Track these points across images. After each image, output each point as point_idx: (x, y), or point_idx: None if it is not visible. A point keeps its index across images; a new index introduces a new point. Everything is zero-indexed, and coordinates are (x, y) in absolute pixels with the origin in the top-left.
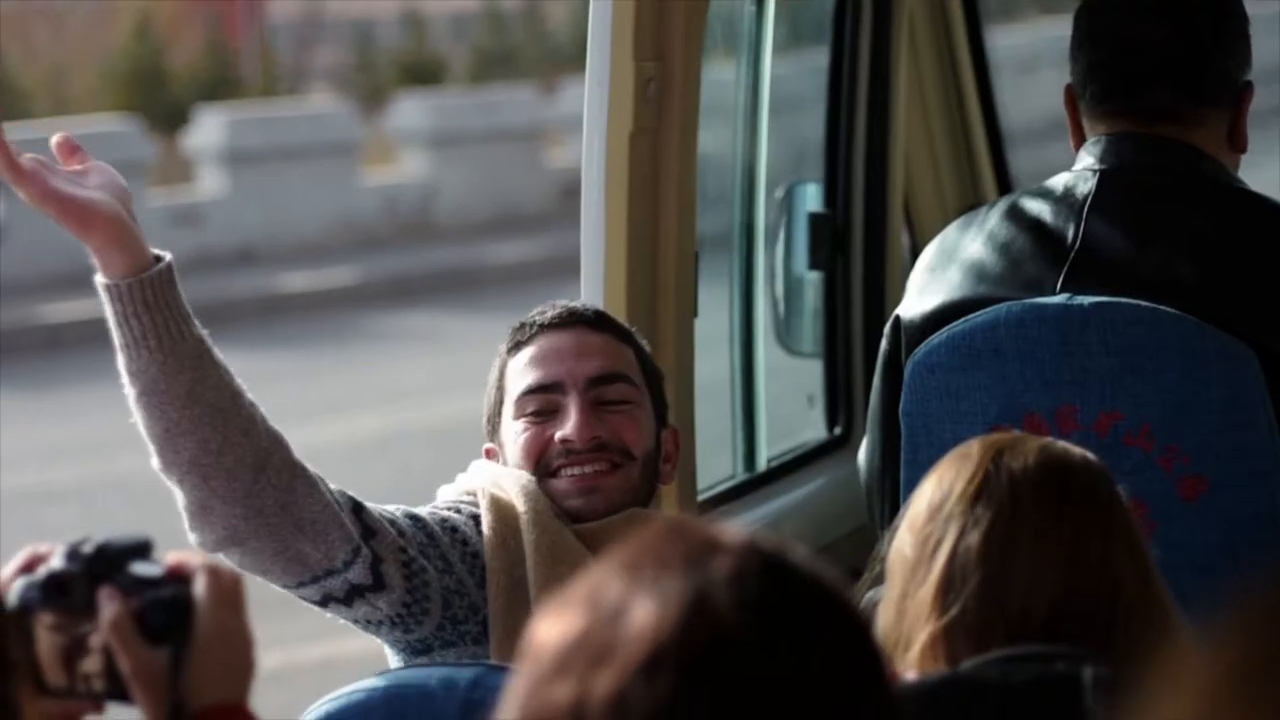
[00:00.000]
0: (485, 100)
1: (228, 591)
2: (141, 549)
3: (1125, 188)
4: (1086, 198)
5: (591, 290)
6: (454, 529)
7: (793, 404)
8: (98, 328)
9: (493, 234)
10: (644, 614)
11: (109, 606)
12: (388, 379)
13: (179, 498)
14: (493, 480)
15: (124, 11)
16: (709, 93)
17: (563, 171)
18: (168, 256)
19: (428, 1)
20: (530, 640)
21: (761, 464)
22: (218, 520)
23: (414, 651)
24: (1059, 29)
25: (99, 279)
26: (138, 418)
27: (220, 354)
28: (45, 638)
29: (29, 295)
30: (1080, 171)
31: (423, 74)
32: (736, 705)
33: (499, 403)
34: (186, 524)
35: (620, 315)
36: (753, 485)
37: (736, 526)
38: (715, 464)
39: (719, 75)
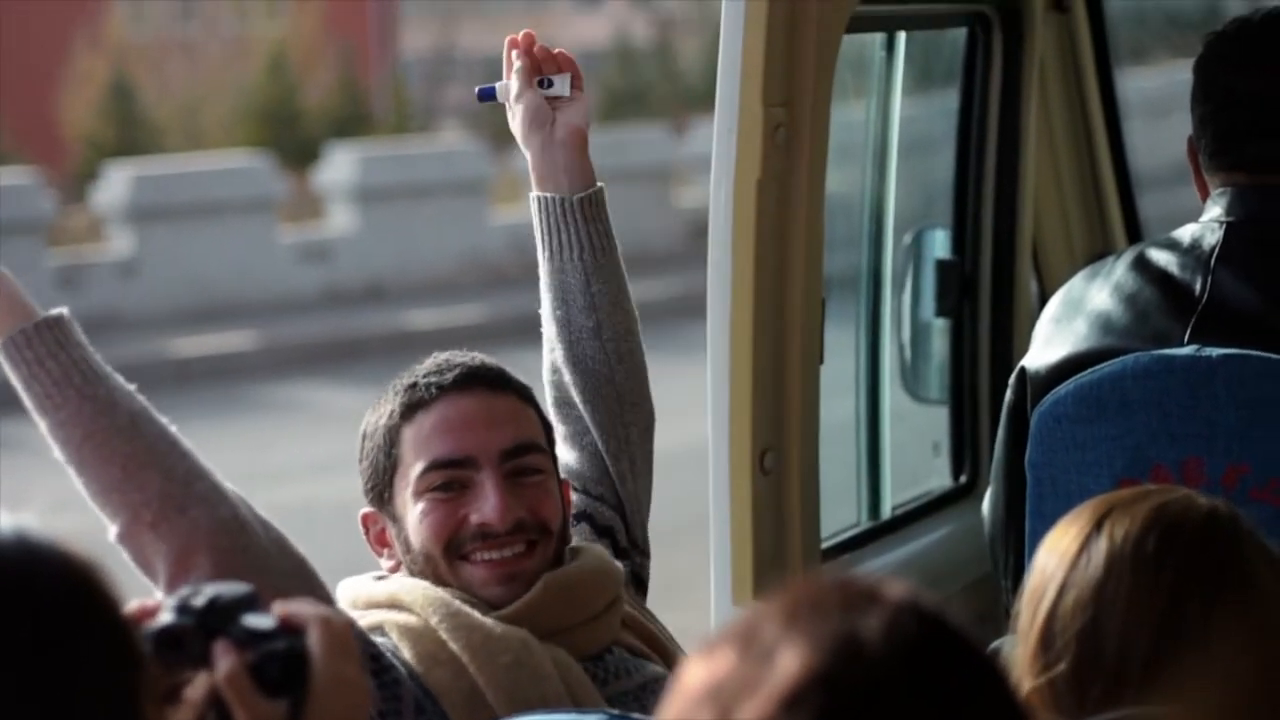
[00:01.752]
0: (615, 139)
1: (341, 641)
2: (251, 601)
3: (1253, 240)
4: (1214, 250)
5: (718, 336)
6: (388, 664)
7: (918, 451)
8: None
9: None
10: (793, 653)
11: (224, 661)
12: None
13: (149, 551)
14: (388, 601)
15: (258, 47)
16: (837, 135)
17: (691, 211)
18: (65, 310)
19: (558, 37)
20: (678, 679)
21: (886, 512)
22: (205, 561)
23: None
24: (1187, 73)
25: None
26: (82, 475)
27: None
28: None
29: (159, 330)
30: (1207, 223)
31: None
32: None
33: (388, 471)
34: (161, 580)
35: (746, 362)
36: (877, 534)
37: (898, 583)
38: (840, 511)
39: (848, 117)
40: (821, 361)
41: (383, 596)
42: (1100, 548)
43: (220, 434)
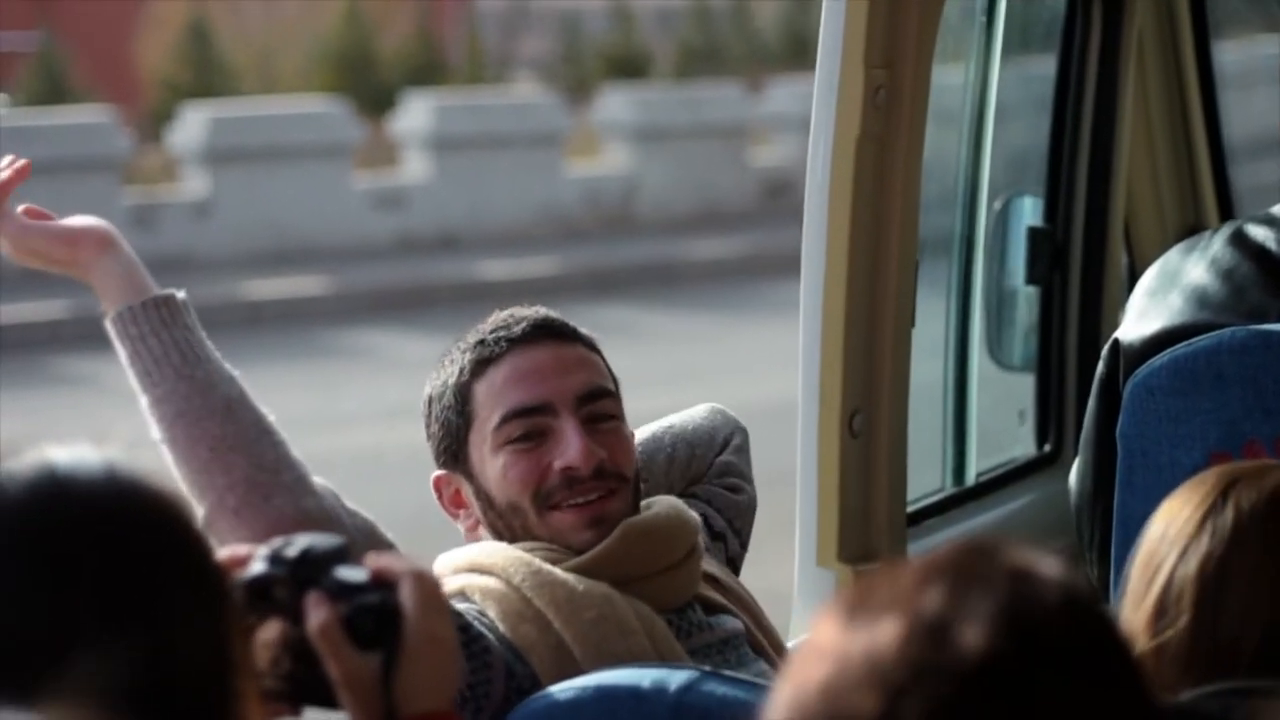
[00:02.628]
0: (690, 96)
1: (433, 597)
2: (342, 553)
3: None
4: None
5: (811, 296)
6: (476, 633)
7: (1003, 418)
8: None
9: (693, 230)
10: (971, 632)
11: (317, 612)
12: None
13: (232, 538)
14: (469, 566)
15: None
16: (936, 99)
17: (766, 170)
18: (181, 293)
19: None
20: (819, 630)
21: (970, 478)
22: None
23: None
24: (1277, 46)
25: (107, 315)
26: (173, 454)
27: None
28: None
29: (231, 271)
30: None
31: (629, 67)
32: None
33: (462, 429)
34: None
35: (839, 322)
36: (961, 499)
37: (1049, 559)
38: (924, 476)
39: (946, 80)
40: (913, 325)
41: (464, 562)
42: (1226, 518)
43: (290, 378)
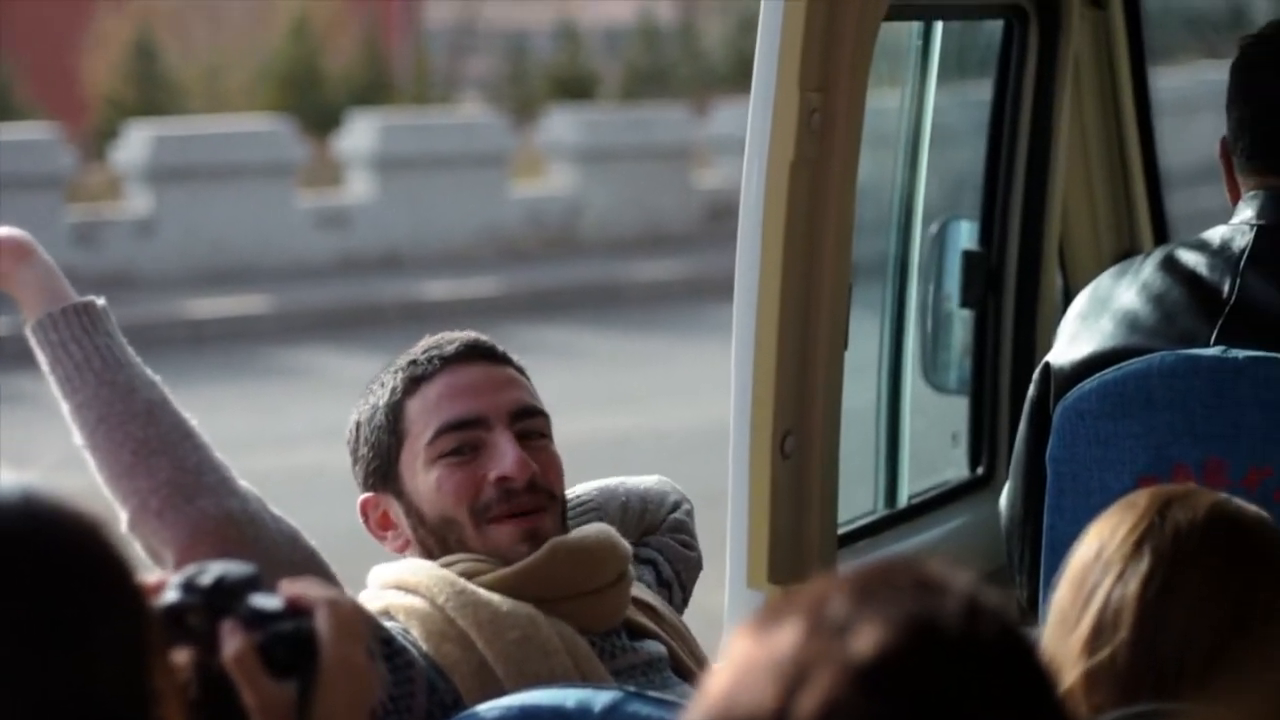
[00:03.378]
0: (636, 117)
1: (349, 624)
2: (257, 581)
3: None
4: (1243, 252)
5: (744, 318)
6: (400, 647)
7: (937, 441)
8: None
9: (637, 251)
10: (869, 631)
11: (232, 640)
12: None
13: (155, 540)
14: (394, 584)
15: (282, 12)
16: (870, 122)
17: (710, 192)
18: (101, 300)
19: (582, 15)
20: (733, 645)
21: (903, 500)
22: (211, 552)
23: None
24: (1217, 73)
25: (28, 323)
26: (95, 460)
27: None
28: None
29: (174, 290)
30: (1238, 225)
31: (575, 88)
32: None
33: (393, 448)
34: (169, 565)
35: (771, 344)
36: (892, 521)
37: (964, 574)
38: (857, 498)
39: (882, 105)
40: (846, 347)
41: (390, 579)
42: (1165, 538)
43: (231, 397)
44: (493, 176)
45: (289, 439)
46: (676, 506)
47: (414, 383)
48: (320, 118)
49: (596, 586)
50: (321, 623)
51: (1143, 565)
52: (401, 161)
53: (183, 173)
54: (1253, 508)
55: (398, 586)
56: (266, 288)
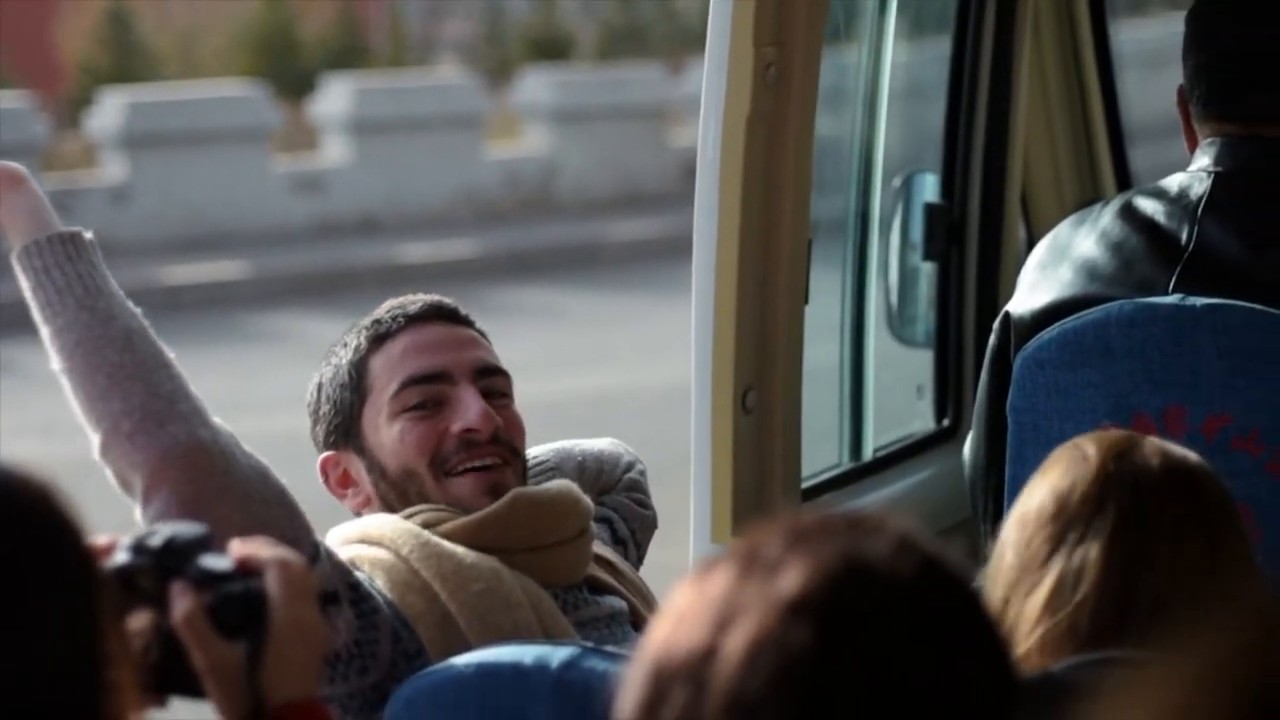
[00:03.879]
0: (612, 77)
1: (299, 584)
2: (206, 542)
3: (1240, 190)
4: (1201, 199)
5: (703, 274)
6: (366, 593)
7: (902, 394)
8: (216, 292)
9: (613, 211)
10: (798, 569)
11: (181, 601)
12: (505, 352)
13: (125, 464)
14: (359, 538)
15: None
16: (830, 79)
17: (686, 151)
18: (89, 233)
19: None
20: (673, 595)
21: (868, 453)
22: (180, 477)
23: (373, 706)
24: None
25: (14, 250)
26: (72, 383)
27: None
28: None
29: (150, 257)
30: (1195, 173)
31: (551, 49)
32: (872, 673)
33: (356, 404)
34: (138, 494)
35: (731, 300)
36: (858, 474)
37: (901, 517)
38: (821, 452)
39: (841, 61)
40: (806, 302)
41: (354, 534)
42: (1126, 494)
43: (209, 362)
44: (468, 138)
45: (266, 404)
46: (630, 467)
47: (378, 340)
48: (295, 83)
49: (558, 539)
50: (271, 583)
51: (1106, 523)
52: (377, 125)
53: (158, 139)
54: (1194, 456)
55: (362, 540)
56: (243, 253)
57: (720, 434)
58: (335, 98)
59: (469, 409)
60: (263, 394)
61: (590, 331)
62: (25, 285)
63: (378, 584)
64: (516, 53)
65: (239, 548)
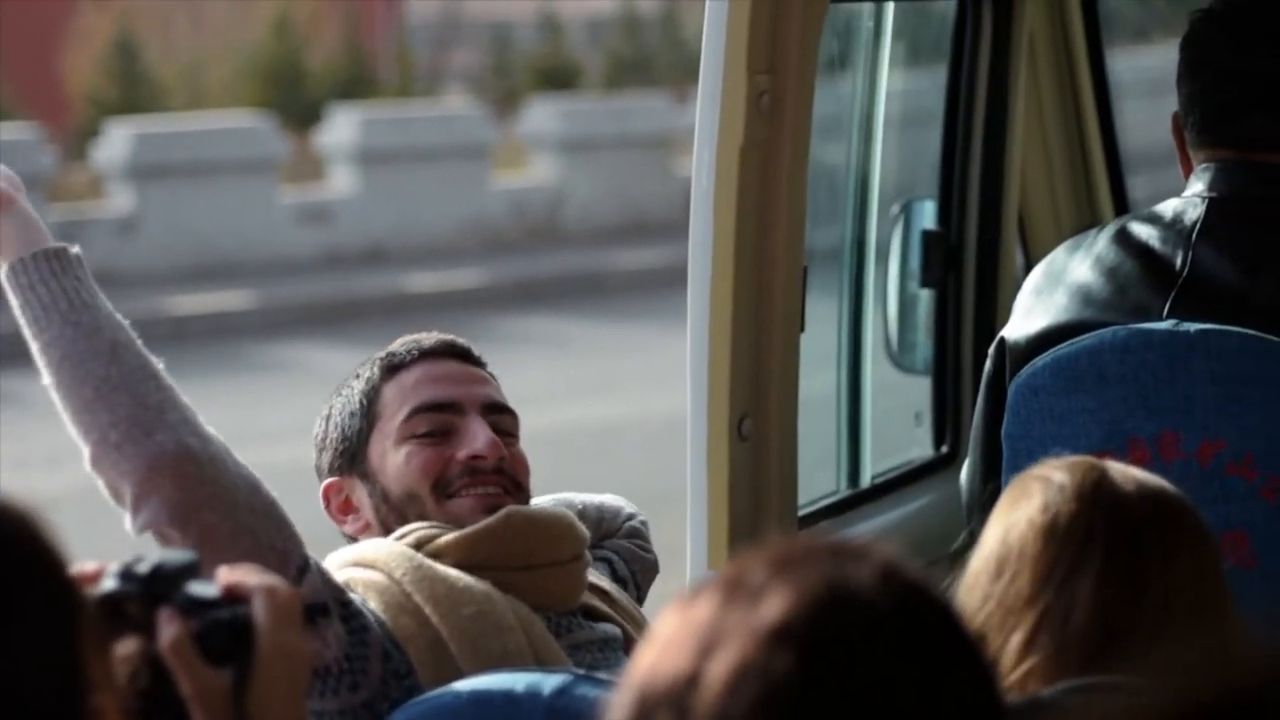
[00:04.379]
0: (618, 107)
1: (286, 611)
2: (193, 569)
3: (1234, 216)
4: (1195, 224)
5: (698, 302)
6: (357, 610)
7: (900, 421)
8: (222, 322)
9: (620, 240)
10: (781, 595)
11: (168, 628)
12: (511, 382)
13: (114, 474)
14: (354, 561)
15: (263, 8)
16: (826, 107)
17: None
18: (75, 248)
19: (565, 5)
20: (658, 622)
21: (866, 480)
22: (168, 485)
23: None
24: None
25: (3, 268)
26: (60, 397)
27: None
28: None
29: (157, 287)
30: (1189, 198)
31: (558, 78)
32: (856, 699)
33: (364, 430)
34: (128, 504)
35: (725, 327)
36: (855, 501)
37: (886, 545)
38: (819, 480)
39: (836, 89)
40: (802, 329)
41: (350, 557)
42: (1105, 526)
43: (215, 393)
44: (475, 168)
45: (272, 434)
46: (632, 517)
47: (391, 370)
48: (302, 113)
49: (552, 560)
50: (258, 610)
51: (1096, 554)
52: (383, 155)
53: (164, 170)
54: (1165, 483)
55: (356, 563)
56: (249, 284)
57: (716, 461)
58: (342, 128)
59: (476, 437)
60: (268, 424)
61: (596, 361)
62: (13, 302)
63: (371, 605)
64: (523, 82)
65: (226, 575)
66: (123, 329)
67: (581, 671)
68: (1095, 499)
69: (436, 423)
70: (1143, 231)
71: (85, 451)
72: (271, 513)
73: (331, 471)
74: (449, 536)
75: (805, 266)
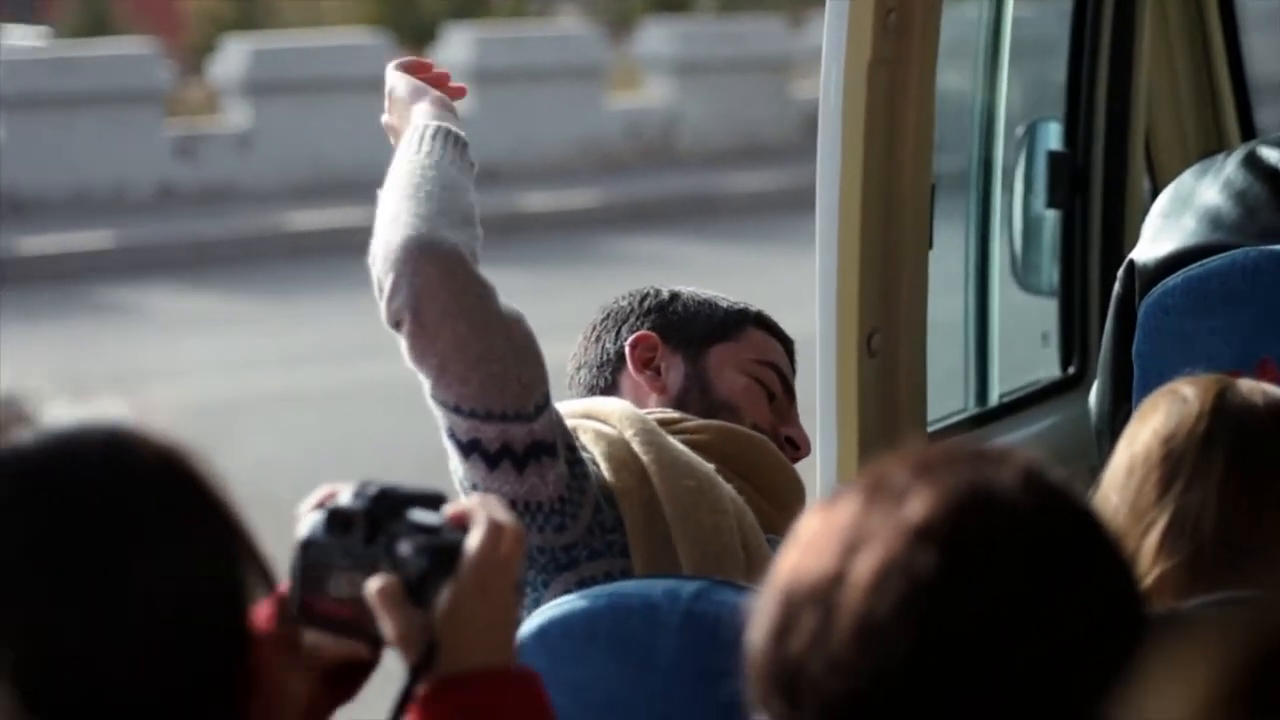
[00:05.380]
0: (732, 29)
1: (500, 549)
2: (422, 499)
3: None
4: None
5: (826, 219)
6: (581, 457)
7: (1027, 342)
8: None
9: (734, 163)
10: (925, 496)
11: (380, 577)
12: None
13: (391, 267)
14: (584, 412)
15: None
16: (951, 31)
17: (807, 103)
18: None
19: None
20: (801, 525)
21: (993, 400)
22: (433, 271)
23: (558, 567)
24: None
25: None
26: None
27: None
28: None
29: (273, 202)
30: None
31: (671, 1)
32: (996, 599)
33: (715, 334)
34: (389, 283)
35: (854, 243)
36: (983, 420)
37: (1028, 451)
38: (947, 399)
39: (963, 14)
40: (931, 247)
41: (580, 409)
42: (1231, 432)
43: (332, 308)
44: (589, 89)
45: (391, 347)
46: None
47: (760, 322)
48: (417, 32)
49: (781, 501)
50: (473, 540)
51: (1217, 463)
52: (498, 75)
53: (281, 87)
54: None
55: (587, 414)
56: (365, 200)
57: (845, 376)
58: (457, 47)
59: (798, 429)
60: (386, 337)
61: (710, 282)
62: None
63: (594, 454)
64: (637, 4)
65: (454, 507)
66: (469, 200)
67: (719, 577)
68: (1219, 408)
69: (778, 388)
70: (1272, 155)
71: (375, 245)
72: (529, 348)
73: (660, 332)
74: (696, 421)
75: (933, 184)
